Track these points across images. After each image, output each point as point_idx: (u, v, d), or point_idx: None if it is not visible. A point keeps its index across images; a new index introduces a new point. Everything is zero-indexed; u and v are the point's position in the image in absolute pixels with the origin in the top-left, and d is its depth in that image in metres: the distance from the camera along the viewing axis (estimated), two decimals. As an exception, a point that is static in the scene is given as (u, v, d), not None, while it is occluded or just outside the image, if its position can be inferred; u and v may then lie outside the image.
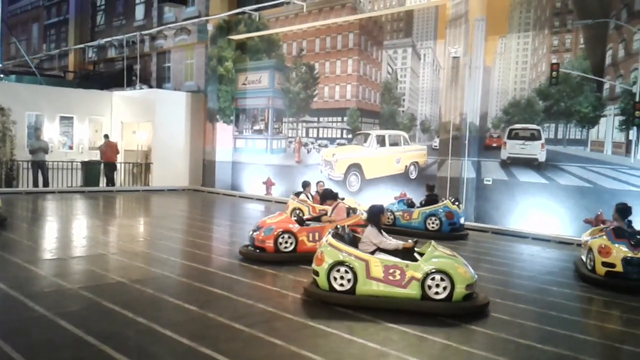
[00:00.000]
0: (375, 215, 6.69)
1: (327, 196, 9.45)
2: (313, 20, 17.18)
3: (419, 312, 5.82)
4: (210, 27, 19.74)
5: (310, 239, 8.33)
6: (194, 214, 14.43)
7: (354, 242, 6.56)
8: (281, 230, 8.24)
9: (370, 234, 6.48)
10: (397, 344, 5.02)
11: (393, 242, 6.49)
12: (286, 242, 8.22)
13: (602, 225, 8.89)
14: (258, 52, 18.91)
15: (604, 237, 7.71)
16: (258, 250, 8.27)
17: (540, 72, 12.45)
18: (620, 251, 7.42)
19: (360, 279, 6.01)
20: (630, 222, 8.15)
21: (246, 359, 4.50)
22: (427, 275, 5.89)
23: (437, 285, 5.89)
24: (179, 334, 4.91)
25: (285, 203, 12.69)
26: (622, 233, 7.68)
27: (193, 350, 4.58)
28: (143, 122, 20.35)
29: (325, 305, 6.05)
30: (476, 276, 6.16)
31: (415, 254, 6.38)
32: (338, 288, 6.06)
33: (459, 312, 5.86)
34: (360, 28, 16.14)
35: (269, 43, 18.57)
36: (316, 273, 6.21)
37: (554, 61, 12.14)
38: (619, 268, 7.37)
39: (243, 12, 18.82)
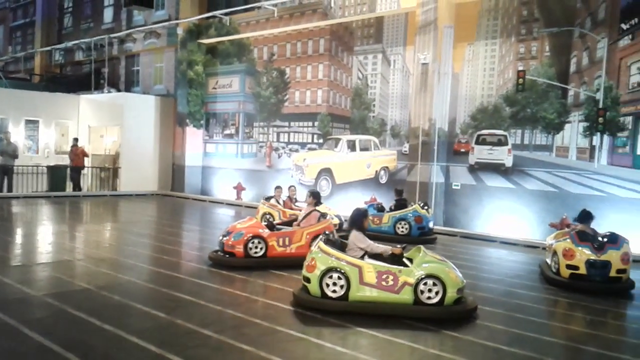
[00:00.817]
0: (359, 219, 6.66)
1: (315, 195, 9.24)
2: (284, 25, 17.20)
3: (412, 317, 5.85)
4: (180, 31, 19.58)
5: (281, 244, 8.31)
6: (163, 219, 14.26)
7: (342, 248, 6.52)
8: (251, 235, 8.20)
9: (355, 239, 6.45)
10: (365, 347, 5.05)
11: (381, 246, 6.46)
12: (256, 247, 8.19)
13: (566, 229, 9.07)
14: (229, 56, 18.84)
15: (568, 240, 7.88)
16: (228, 256, 8.22)
17: (507, 79, 12.69)
18: (584, 254, 7.59)
19: (354, 285, 6.00)
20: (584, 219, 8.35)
21: (214, 365, 4.48)
22: (419, 280, 5.93)
23: (430, 290, 5.94)
24: (147, 341, 4.85)
25: (256, 208, 12.64)
26: (585, 236, 7.86)
27: (160, 358, 4.53)
28: (111, 126, 20.06)
29: (294, 310, 6.05)
30: (465, 280, 6.23)
31: (404, 260, 6.41)
32: (331, 295, 6.04)
33: (452, 316, 5.93)
34: (331, 34, 16.22)
35: (239, 47, 18.52)
36: (307, 280, 6.16)
37: (521, 68, 12.38)
38: (583, 270, 7.55)
39: (214, 16, 18.74)
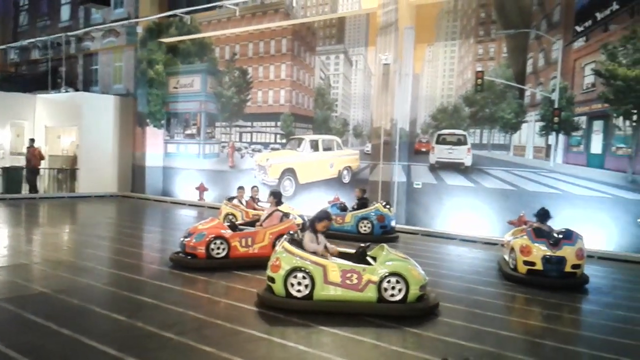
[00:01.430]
0: (313, 220, 6.65)
1: (276, 196, 9.21)
2: (246, 25, 17.12)
3: (376, 315, 5.90)
4: (139, 30, 19.28)
5: (243, 244, 8.28)
6: (123, 220, 14.02)
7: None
8: (213, 236, 8.14)
9: (305, 238, 6.48)
10: (328, 346, 5.08)
11: (316, 249, 6.36)
12: (218, 248, 8.13)
13: (524, 226, 9.30)
14: (190, 56, 18.65)
15: (525, 237, 8.09)
16: (189, 257, 8.13)
17: (466, 80, 12.93)
18: (540, 250, 7.80)
19: (318, 284, 6.01)
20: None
21: (176, 367, 4.44)
22: (383, 278, 5.99)
23: (393, 288, 6.01)
24: (106, 345, 4.77)
25: (219, 208, 12.55)
26: (541, 233, 8.08)
27: (120, 361, 4.47)
28: (69, 127, 19.60)
29: (258, 311, 6.04)
30: (427, 278, 6.32)
31: (368, 258, 6.46)
32: (295, 294, 6.04)
33: (414, 313, 6.01)
34: (293, 34, 16.22)
35: (201, 46, 18.35)
36: (272, 280, 6.14)
37: (479, 69, 12.64)
38: (539, 266, 7.76)
39: (174, 15, 18.51)
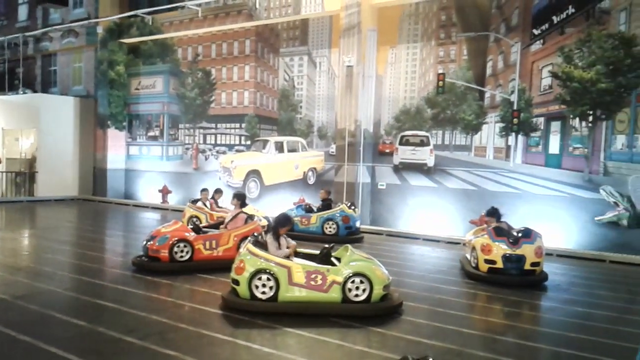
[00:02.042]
0: (276, 225, 6.68)
1: (240, 197, 9.15)
2: (209, 26, 16.99)
3: (341, 315, 5.94)
4: (100, 30, 18.92)
5: (207, 247, 8.22)
6: (84, 224, 13.74)
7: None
8: (176, 239, 8.06)
9: (269, 245, 6.47)
10: (293, 347, 5.09)
11: (280, 252, 6.43)
12: (182, 251, 8.05)
13: (485, 225, 9.48)
14: (152, 57, 18.40)
15: (486, 236, 8.25)
16: (152, 261, 8.04)
17: (428, 82, 13.12)
18: (500, 249, 7.97)
19: (283, 286, 6.01)
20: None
21: (138, 372, 4.38)
22: (347, 278, 6.03)
23: (357, 288, 6.06)
24: (67, 351, 4.68)
25: (182, 211, 12.42)
26: (501, 232, 8.26)
27: (81, 367, 4.39)
28: (27, 129, 19.11)
29: (222, 313, 6.01)
30: (391, 277, 6.38)
31: (332, 259, 6.49)
32: (260, 296, 6.02)
33: (378, 312, 6.07)
34: (256, 35, 16.18)
35: (163, 47, 18.13)
36: (236, 282, 6.12)
37: (440, 71, 12.84)
38: (500, 264, 7.92)
39: (135, 15, 18.24)
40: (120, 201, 18.31)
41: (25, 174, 18.69)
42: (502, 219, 8.79)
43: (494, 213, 8.79)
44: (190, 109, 17.43)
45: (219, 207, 12.05)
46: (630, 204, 10.30)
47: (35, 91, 20.96)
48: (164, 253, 7.96)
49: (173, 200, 17.46)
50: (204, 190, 12.25)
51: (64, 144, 18.75)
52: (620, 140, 10.60)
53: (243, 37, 16.44)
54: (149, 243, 8.12)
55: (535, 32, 11.63)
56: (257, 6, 16.17)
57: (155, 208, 17.07)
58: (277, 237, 6.55)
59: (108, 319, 5.69)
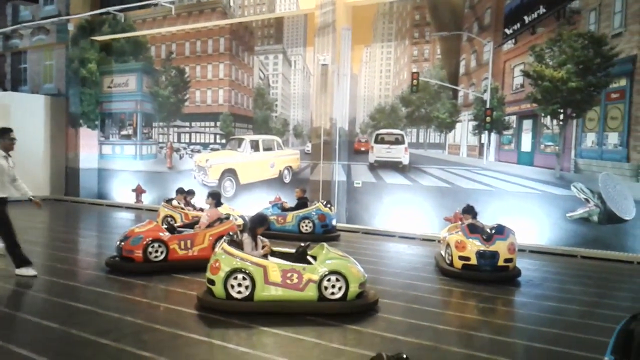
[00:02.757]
0: (253, 225, 6.66)
1: (215, 197, 9.11)
2: (182, 23, 16.85)
3: (317, 313, 5.95)
4: (71, 27, 18.60)
5: (182, 247, 8.15)
6: (56, 225, 13.51)
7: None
8: (151, 239, 7.98)
9: (245, 246, 6.46)
10: (270, 346, 5.09)
11: (255, 253, 6.42)
12: (156, 251, 7.97)
13: (459, 222, 9.59)
14: (124, 54, 18.16)
15: (460, 233, 8.35)
16: (126, 261, 7.94)
17: (402, 80, 13.20)
18: (474, 245, 8.07)
19: (259, 285, 5.99)
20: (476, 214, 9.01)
21: (113, 374, 4.33)
22: (323, 277, 6.04)
23: (333, 286, 6.08)
24: (39, 354, 4.60)
25: (157, 211, 12.29)
26: (475, 229, 8.36)
27: (53, 370, 4.33)
28: (-4, 128, 18.69)
29: (198, 314, 5.97)
30: (366, 275, 6.41)
31: (308, 257, 6.49)
32: (236, 296, 5.99)
33: (354, 310, 6.09)
34: (231, 33, 16.09)
35: (135, 45, 17.90)
36: (212, 282, 6.08)
37: (414, 70, 12.93)
38: (474, 261, 8.02)
39: (107, 12, 17.97)
40: (94, 201, 18.05)
41: (-6, 174, 18.27)
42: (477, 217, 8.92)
43: (469, 210, 8.91)
44: (164, 107, 17.26)
45: (194, 208, 11.92)
46: (601, 201, 10.52)
47: (5, 89, 20.52)
48: (138, 253, 7.87)
49: (147, 199, 17.27)
50: (180, 191, 12.07)
51: (34, 143, 18.38)
52: (590, 138, 10.81)
53: (217, 35, 16.33)
54: (122, 243, 8.02)
55: (507, 31, 11.78)
56: (232, 4, 16.09)
57: (129, 208, 16.87)
58: (254, 237, 6.54)
59: (81, 320, 5.61)
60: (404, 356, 2.31)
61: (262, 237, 6.72)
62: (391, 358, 2.29)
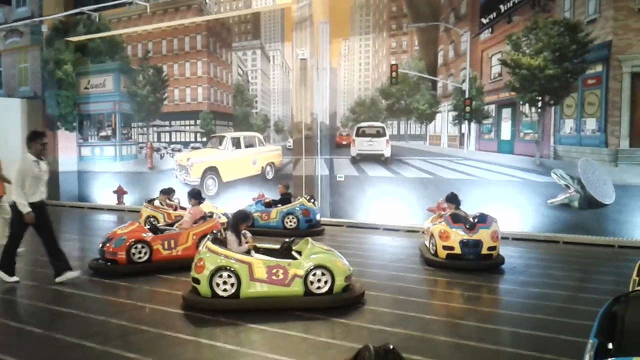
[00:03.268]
0: (236, 222, 6.62)
1: (196, 196, 9.05)
2: (158, 22, 16.67)
3: (303, 308, 5.95)
4: (45, 29, 18.30)
5: (166, 247, 8.09)
6: (37, 229, 13.30)
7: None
8: (134, 240, 7.90)
9: (230, 243, 6.42)
10: (258, 343, 5.08)
11: (240, 249, 6.40)
12: (140, 252, 7.90)
13: (442, 212, 9.64)
14: (100, 55, 17.92)
15: (443, 223, 8.39)
16: (109, 263, 7.86)
17: (382, 73, 13.21)
18: (458, 235, 8.13)
19: (244, 282, 5.97)
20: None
21: (99, 377, 4.29)
22: (309, 271, 6.04)
23: (319, 280, 6.07)
24: (23, 360, 4.55)
25: (139, 212, 12.17)
26: (458, 218, 8.41)
27: (39, 376, 4.27)
28: (-29, 133, 18.39)
29: (184, 313, 5.94)
30: (352, 268, 6.41)
31: (293, 253, 6.48)
32: (221, 294, 5.96)
33: (341, 303, 6.09)
34: (207, 30, 15.96)
35: (111, 45, 17.67)
36: (197, 281, 6.04)
37: (393, 62, 12.95)
38: (457, 250, 8.08)
39: (81, 13, 17.68)
40: (74, 204, 17.82)
41: (-29, 180, 17.97)
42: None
43: (453, 199, 8.95)
44: (142, 107, 17.08)
45: (174, 207, 11.78)
46: (581, 186, 10.64)
47: (-21, 93, 20.17)
48: (121, 255, 7.80)
49: (129, 201, 17.09)
50: (165, 192, 11.90)
51: (11, 147, 17.97)
52: (568, 125, 10.92)
53: (194, 32, 16.19)
54: (105, 245, 7.94)
55: (484, 21, 11.84)
56: (207, 0, 15.95)
57: (111, 210, 16.69)
58: (237, 234, 6.51)
59: (65, 324, 5.55)
60: (391, 347, 2.31)
61: (246, 231, 6.70)
62: (378, 349, 2.29)
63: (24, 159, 7.09)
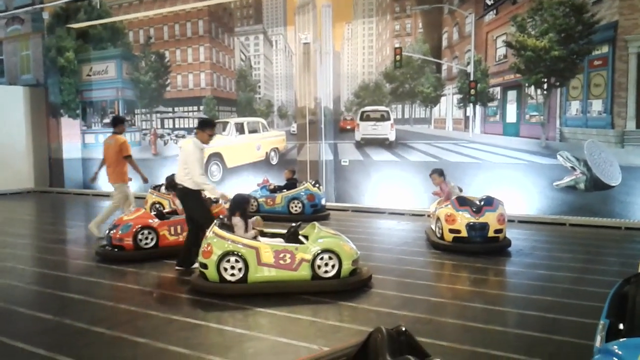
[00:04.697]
0: (239, 205, 6.57)
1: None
2: (159, 7, 16.56)
3: (311, 292, 5.96)
4: (46, 16, 18.24)
5: (172, 232, 8.11)
6: (43, 217, 13.38)
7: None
8: (140, 226, 7.92)
9: (238, 228, 6.41)
10: (266, 326, 5.09)
11: (247, 235, 6.40)
12: (146, 238, 7.92)
13: (440, 190, 9.64)
14: (102, 41, 17.85)
15: (449, 206, 8.38)
16: (116, 250, 7.89)
17: (385, 56, 13.12)
18: (464, 218, 8.11)
19: (252, 267, 5.98)
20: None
21: (110, 362, 4.31)
22: (316, 255, 6.04)
23: (326, 264, 6.08)
24: (34, 345, 4.57)
25: (144, 198, 12.20)
26: (464, 201, 8.40)
27: (50, 361, 4.30)
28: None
29: (192, 298, 5.96)
30: (359, 252, 6.41)
31: (300, 237, 6.49)
32: (229, 278, 5.98)
33: (348, 287, 6.10)
34: (209, 15, 15.86)
35: (113, 31, 17.60)
36: (204, 266, 6.06)
37: (397, 45, 12.85)
38: (464, 233, 8.07)
39: (82, -1, 17.63)
40: (79, 191, 17.87)
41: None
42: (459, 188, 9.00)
43: (439, 171, 9.22)
44: (145, 93, 17.04)
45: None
46: (587, 168, 10.59)
47: (-19, 82, 20.14)
48: (128, 241, 7.82)
49: (134, 187, 17.07)
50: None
51: (15, 135, 18.12)
52: (574, 106, 10.85)
53: (196, 17, 16.09)
54: (112, 232, 7.96)
55: (488, 2, 11.72)
56: (209, -15, 15.81)
57: (115, 196, 16.70)
58: (245, 218, 6.51)
59: (74, 310, 5.57)
60: (403, 329, 2.30)
61: (258, 217, 6.70)
62: (391, 331, 2.28)
63: (196, 144, 7.02)
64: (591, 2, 10.45)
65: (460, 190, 9.30)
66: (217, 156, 15.41)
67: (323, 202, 11.83)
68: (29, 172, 18.54)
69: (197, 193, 7.09)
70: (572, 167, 10.76)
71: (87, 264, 7.77)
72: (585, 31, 10.49)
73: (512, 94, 11.62)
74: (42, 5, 18.33)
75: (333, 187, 13.65)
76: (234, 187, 14.08)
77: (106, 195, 16.86)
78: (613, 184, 10.37)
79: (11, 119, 18.01)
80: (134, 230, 7.85)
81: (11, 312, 5.57)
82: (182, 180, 7.06)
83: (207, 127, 7.19)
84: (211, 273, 6.02)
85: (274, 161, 14.89)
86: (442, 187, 9.26)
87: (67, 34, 18.04)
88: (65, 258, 8.49)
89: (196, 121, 16.00)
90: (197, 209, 7.10)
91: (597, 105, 10.56)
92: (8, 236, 10.18)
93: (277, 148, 14.90)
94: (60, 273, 7.31)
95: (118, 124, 10.27)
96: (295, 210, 11.40)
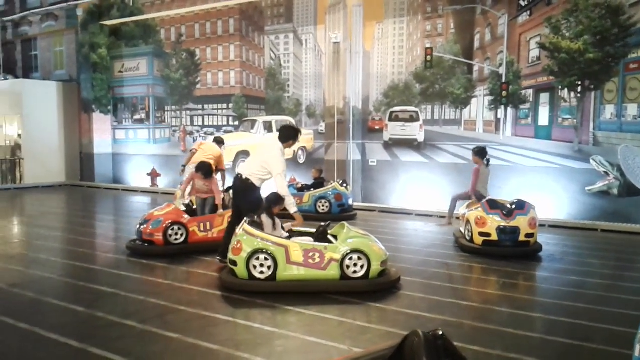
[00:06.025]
0: (268, 204, 6.61)
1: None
2: (191, 5, 16.73)
3: (339, 292, 5.95)
4: (80, 12, 18.57)
5: (202, 229, 8.18)
6: (74, 210, 13.62)
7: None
8: (170, 221, 8.00)
9: (265, 226, 6.44)
10: (294, 325, 5.10)
11: (278, 233, 6.43)
12: (176, 234, 8.00)
13: (471, 193, 9.55)
14: (134, 38, 18.10)
15: (480, 209, 8.28)
16: (146, 244, 7.99)
17: (416, 56, 13.04)
18: (495, 221, 8.01)
19: (281, 265, 6.00)
20: (488, 160, 9.53)
21: (140, 355, 4.35)
22: (345, 255, 6.04)
23: (355, 265, 6.06)
24: (66, 337, 4.64)
25: (173, 194, 12.33)
26: (495, 205, 8.29)
27: (82, 352, 4.36)
28: (10, 116, 18.81)
29: (221, 295, 6.00)
30: (387, 253, 6.39)
31: (329, 237, 6.49)
32: (258, 276, 6.01)
33: (376, 288, 6.08)
34: (240, 13, 15.95)
35: (145, 29, 17.83)
36: (234, 263, 6.10)
37: (428, 46, 12.75)
38: (494, 237, 7.97)
39: (116, -3, 17.89)
40: (109, 186, 18.16)
41: (10, 161, 18.44)
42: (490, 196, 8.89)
43: (480, 152, 9.31)
44: (175, 90, 17.23)
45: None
46: (620, 173, 10.38)
47: (16, 77, 20.57)
48: (158, 236, 7.91)
49: (162, 183, 17.33)
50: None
51: (48, 130, 18.50)
52: (609, 110, 10.64)
53: (227, 16, 16.21)
54: (142, 227, 8.06)
55: (522, 3, 11.56)
56: (241, -16, 15.91)
57: (144, 192, 16.95)
58: (272, 217, 6.53)
59: (106, 303, 5.66)
60: (441, 333, 2.27)
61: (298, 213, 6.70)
62: (428, 335, 2.25)
63: (282, 150, 6.93)
64: (628, 4, 10.24)
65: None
66: (244, 154, 15.48)
67: (350, 201, 11.81)
68: (60, 166, 18.90)
69: (258, 191, 7.08)
70: (605, 172, 10.55)
71: (118, 258, 7.88)
72: (622, 34, 10.28)
73: (544, 97, 11.44)
74: (76, 2, 18.65)
75: (360, 187, 13.62)
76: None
77: (134, 190, 17.12)
78: (647, 190, 10.14)
79: (44, 113, 18.38)
80: (165, 225, 7.94)
81: (44, 303, 5.68)
82: (251, 174, 6.96)
83: (292, 138, 7.06)
84: (240, 270, 6.05)
85: (302, 160, 14.91)
86: (475, 170, 9.35)
87: (100, 31, 18.33)
88: (95, 251, 8.63)
89: (225, 119, 16.20)
90: (250, 204, 7.04)
91: (632, 110, 10.33)
92: (40, 229, 10.39)
93: (304, 147, 14.91)
94: (91, 266, 7.44)
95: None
96: (323, 210, 11.40)
